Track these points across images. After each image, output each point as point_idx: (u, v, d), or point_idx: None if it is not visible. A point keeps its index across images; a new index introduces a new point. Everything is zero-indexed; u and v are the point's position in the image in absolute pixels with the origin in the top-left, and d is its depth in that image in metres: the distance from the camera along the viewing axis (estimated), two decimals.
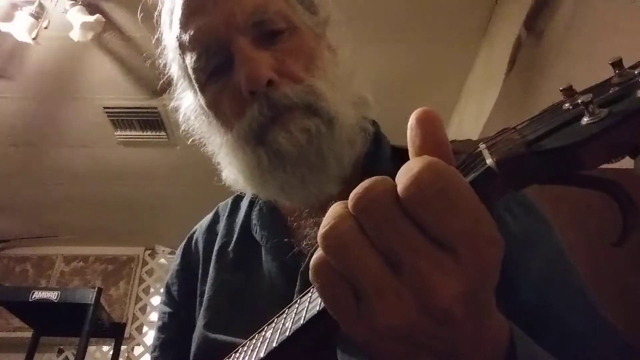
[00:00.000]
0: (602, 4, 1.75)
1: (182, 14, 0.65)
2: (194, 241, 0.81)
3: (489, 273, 0.28)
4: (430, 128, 0.31)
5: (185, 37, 0.65)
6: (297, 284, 0.61)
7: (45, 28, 2.24)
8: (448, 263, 0.27)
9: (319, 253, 0.31)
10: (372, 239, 0.28)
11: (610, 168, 0.30)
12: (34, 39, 2.23)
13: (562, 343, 0.52)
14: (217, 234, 0.78)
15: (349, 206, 0.29)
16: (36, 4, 2.24)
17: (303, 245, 0.64)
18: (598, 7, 1.77)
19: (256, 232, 0.71)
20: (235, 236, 0.75)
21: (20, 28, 2.21)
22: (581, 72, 1.76)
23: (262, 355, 0.45)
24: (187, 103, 0.74)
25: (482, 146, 0.31)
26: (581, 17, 1.87)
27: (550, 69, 2.11)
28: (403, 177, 0.28)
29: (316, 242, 0.31)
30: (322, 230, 0.30)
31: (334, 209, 0.31)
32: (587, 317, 0.55)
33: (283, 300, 0.47)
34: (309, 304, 0.40)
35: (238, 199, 0.82)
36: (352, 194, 0.29)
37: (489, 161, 0.29)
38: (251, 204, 0.77)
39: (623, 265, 1.25)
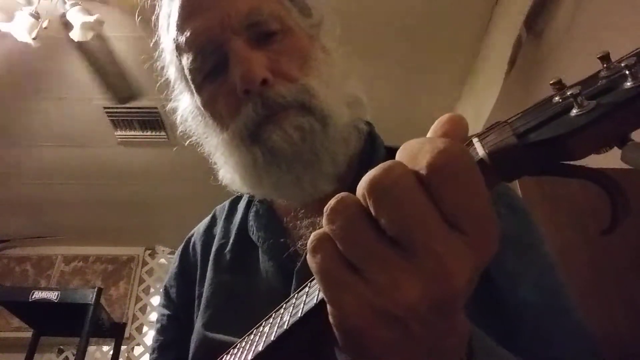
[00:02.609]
0: (602, 4, 1.75)
1: (179, 16, 0.66)
2: (191, 244, 0.82)
3: (488, 259, 0.28)
4: (456, 127, 0.31)
5: (182, 39, 0.65)
6: (293, 283, 0.61)
7: (45, 28, 2.24)
8: (461, 247, 0.26)
9: (320, 229, 0.30)
10: (382, 220, 0.27)
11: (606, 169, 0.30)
12: (34, 39, 2.23)
13: (532, 344, 0.52)
14: (215, 237, 0.78)
15: (364, 188, 0.28)
16: (36, 4, 2.25)
17: (298, 246, 0.64)
18: (598, 7, 1.77)
19: (253, 233, 0.72)
20: (232, 238, 0.75)
21: (20, 28, 2.21)
22: (581, 72, 1.75)
23: (260, 349, 0.45)
24: (184, 104, 0.75)
25: (474, 139, 0.31)
26: (581, 17, 1.88)
27: (550, 69, 2.12)
28: (428, 153, 0.27)
29: None
30: (328, 205, 0.29)
31: (337, 195, 0.30)
32: (562, 321, 0.55)
33: (280, 300, 0.47)
34: (307, 298, 0.40)
35: (235, 201, 0.83)
36: (369, 176, 0.28)
37: (481, 153, 0.30)
38: (248, 205, 0.77)
39: (623, 265, 1.26)
